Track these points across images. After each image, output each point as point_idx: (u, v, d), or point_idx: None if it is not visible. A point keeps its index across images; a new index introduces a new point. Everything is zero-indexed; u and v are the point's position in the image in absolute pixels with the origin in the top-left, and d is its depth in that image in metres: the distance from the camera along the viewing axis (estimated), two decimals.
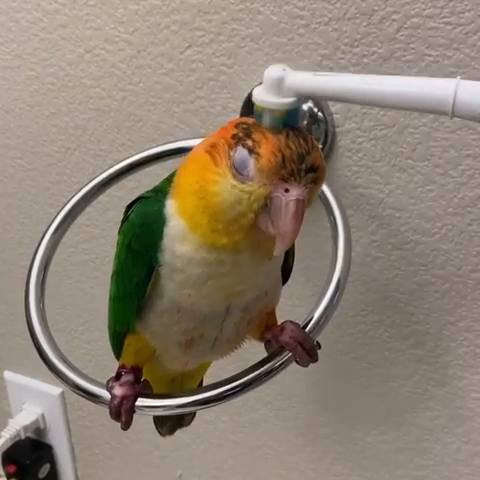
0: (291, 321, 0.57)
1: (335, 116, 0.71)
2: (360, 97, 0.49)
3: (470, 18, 0.62)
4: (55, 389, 1.10)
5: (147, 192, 0.53)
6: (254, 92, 0.48)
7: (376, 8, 0.65)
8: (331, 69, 0.69)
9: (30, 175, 0.95)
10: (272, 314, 0.58)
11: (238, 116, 0.75)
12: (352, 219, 0.74)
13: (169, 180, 0.52)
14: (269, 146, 0.45)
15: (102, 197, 0.80)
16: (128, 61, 0.81)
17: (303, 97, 0.49)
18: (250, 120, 0.47)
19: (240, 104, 0.75)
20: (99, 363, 1.03)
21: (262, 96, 0.48)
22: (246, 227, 0.46)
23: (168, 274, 0.51)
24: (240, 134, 0.46)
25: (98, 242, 0.94)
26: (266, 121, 0.47)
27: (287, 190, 0.45)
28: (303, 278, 0.80)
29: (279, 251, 0.47)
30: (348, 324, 0.80)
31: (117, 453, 1.12)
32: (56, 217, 0.68)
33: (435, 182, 0.69)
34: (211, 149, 0.47)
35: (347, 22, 0.67)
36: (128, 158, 0.73)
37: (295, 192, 0.45)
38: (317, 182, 0.46)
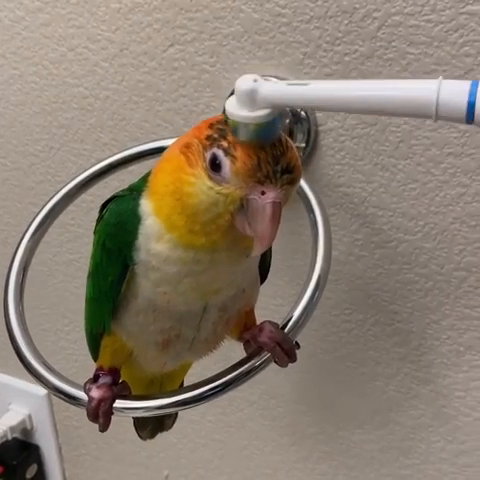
0: (270, 321, 0.57)
1: (318, 115, 0.71)
2: (337, 105, 0.47)
3: (451, 16, 0.62)
4: (41, 389, 1.09)
5: (122, 191, 0.53)
6: (226, 105, 0.47)
7: (357, 6, 0.65)
8: (313, 68, 0.69)
9: (14, 175, 0.95)
10: (251, 313, 0.58)
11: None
12: (335, 218, 0.74)
13: (144, 179, 0.51)
14: (244, 148, 0.44)
15: (86, 196, 0.80)
16: (111, 60, 0.80)
17: (277, 108, 0.46)
18: (222, 120, 0.47)
19: (223, 102, 0.74)
20: (85, 363, 1.02)
21: (235, 110, 0.46)
22: (223, 228, 0.46)
23: (143, 272, 0.50)
24: (215, 135, 0.45)
25: (82, 242, 0.94)
26: (242, 135, 0.45)
27: (263, 192, 0.45)
28: (287, 277, 0.80)
29: (257, 252, 0.47)
30: (332, 323, 0.80)
31: (104, 453, 1.11)
32: (35, 218, 0.67)
33: (417, 180, 0.69)
34: (185, 149, 0.47)
35: (329, 20, 0.67)
36: (109, 158, 0.73)
37: (271, 195, 0.44)
38: (293, 183, 0.46)
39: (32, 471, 1.13)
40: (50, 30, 0.82)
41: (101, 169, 0.71)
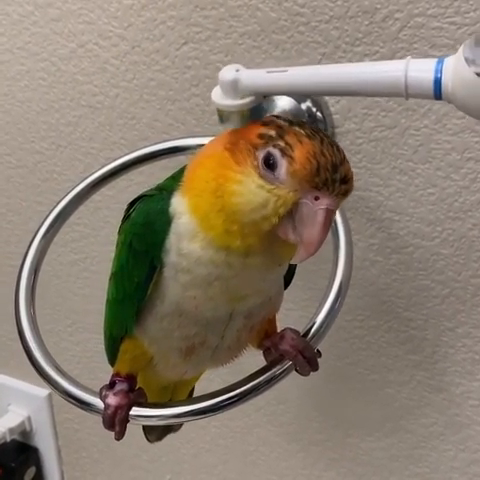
0: (291, 328, 0.55)
1: (334, 117, 0.70)
2: (314, 89, 0.49)
3: (475, 18, 0.61)
4: (42, 391, 1.07)
5: (150, 190, 0.51)
6: (212, 94, 0.49)
7: (379, 6, 0.64)
8: None
9: (19, 172, 0.93)
10: (273, 321, 0.57)
11: None
12: (351, 222, 0.72)
13: (175, 178, 0.50)
14: (304, 151, 0.43)
15: (93, 196, 0.78)
16: (122, 57, 0.79)
17: (260, 95, 0.48)
18: (280, 119, 0.45)
19: None
20: (87, 365, 1.01)
21: (220, 99, 0.48)
22: (263, 231, 0.44)
23: (172, 275, 0.49)
24: (272, 133, 0.44)
25: (88, 241, 0.92)
26: (229, 123, 0.46)
27: (317, 198, 0.43)
28: (299, 282, 0.78)
29: (300, 260, 0.45)
30: (344, 329, 0.78)
31: (105, 456, 1.10)
32: (46, 218, 0.66)
33: (436, 185, 0.68)
34: (231, 146, 0.45)
35: (349, 20, 0.65)
36: (121, 157, 0.71)
37: (326, 201, 0.43)
38: (346, 194, 0.45)
39: (31, 474, 1.12)
40: (60, 26, 0.81)
41: (112, 169, 0.70)
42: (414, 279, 0.72)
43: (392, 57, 0.65)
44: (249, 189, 0.44)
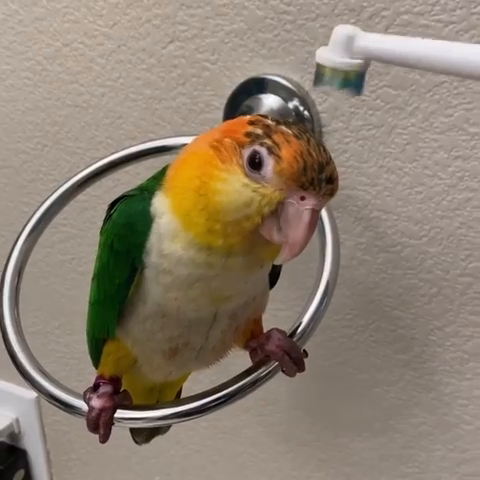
0: (277, 329, 0.55)
1: (322, 115, 0.69)
2: (435, 65, 0.46)
3: (462, 16, 0.60)
4: (30, 393, 1.07)
5: (131, 190, 0.51)
6: (318, 52, 0.47)
7: (365, 4, 0.64)
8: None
9: (4, 173, 0.92)
10: (258, 322, 0.56)
11: (222, 114, 0.73)
12: (338, 221, 0.72)
13: (157, 178, 0.49)
14: (291, 150, 0.42)
15: (80, 196, 0.77)
16: (107, 56, 0.78)
17: (370, 61, 0.46)
18: (267, 119, 0.45)
19: (224, 101, 0.73)
20: (75, 367, 1.00)
21: (329, 55, 0.46)
22: (247, 231, 0.44)
23: (153, 276, 0.48)
24: (259, 132, 0.43)
25: (75, 242, 0.92)
26: (328, 83, 0.45)
27: (303, 198, 0.43)
28: (286, 281, 0.77)
29: (284, 260, 0.45)
30: (333, 328, 0.78)
31: (94, 459, 1.09)
32: (30, 219, 0.65)
33: (424, 184, 0.68)
34: (217, 144, 0.44)
35: (335, 18, 0.65)
36: (107, 157, 0.70)
37: (311, 201, 0.43)
38: (332, 194, 0.44)
39: (19, 476, 1.11)
40: (45, 24, 0.80)
41: (98, 169, 0.69)
42: (402, 278, 0.72)
43: None
44: (234, 188, 0.43)
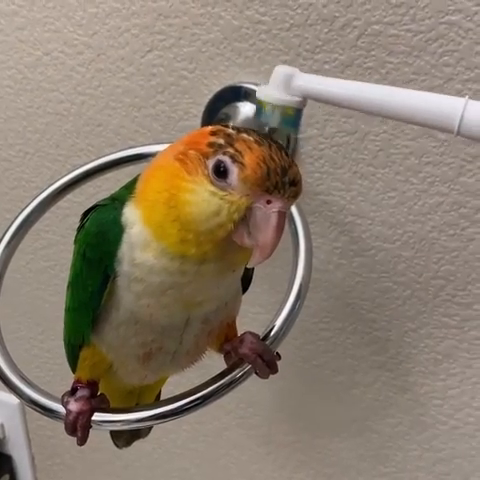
0: (250, 332, 0.56)
1: None
2: (363, 107, 0.49)
3: (430, 26, 0.62)
4: (14, 398, 1.05)
5: (104, 200, 0.52)
6: (258, 89, 0.49)
7: (337, 15, 0.65)
8: None
9: None
10: (232, 325, 0.57)
11: (200, 121, 0.75)
12: (314, 226, 0.73)
13: (128, 188, 0.50)
14: (254, 157, 0.43)
15: (61, 203, 0.78)
16: (87, 64, 0.79)
17: (306, 99, 0.49)
18: (227, 128, 0.46)
19: (202, 109, 0.74)
20: (59, 372, 1.01)
21: (269, 91, 0.48)
22: (219, 238, 0.45)
23: (126, 284, 0.49)
24: (220, 141, 0.44)
25: (57, 249, 0.93)
26: (268, 119, 0.47)
27: (269, 202, 0.44)
28: (266, 285, 0.79)
29: (255, 263, 0.46)
30: (310, 331, 0.79)
31: (78, 463, 1.10)
32: (10, 226, 0.65)
33: (396, 189, 0.69)
34: (182, 156, 0.45)
35: (308, 28, 0.67)
36: (86, 164, 0.71)
37: (278, 204, 0.44)
38: (296, 196, 0.45)
39: None
40: (26, 34, 0.81)
41: (78, 176, 0.70)
42: (377, 281, 0.74)
43: (351, 64, 0.66)
44: (202, 197, 0.44)
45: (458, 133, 0.45)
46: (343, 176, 0.71)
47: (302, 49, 0.68)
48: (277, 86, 0.48)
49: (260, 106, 0.48)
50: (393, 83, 0.65)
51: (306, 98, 0.49)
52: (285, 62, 0.69)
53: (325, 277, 0.76)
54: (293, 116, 0.48)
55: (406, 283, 0.73)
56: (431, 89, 0.64)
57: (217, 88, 0.73)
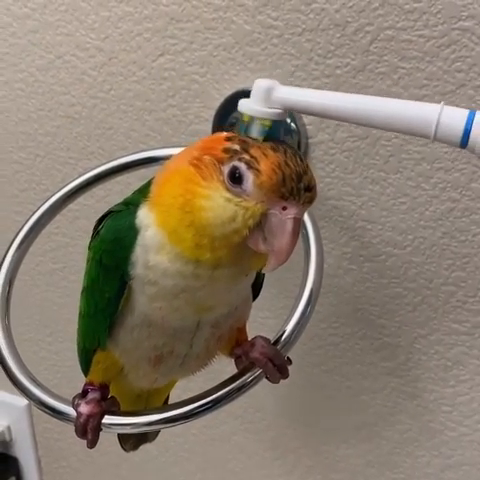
0: (261, 336, 0.56)
1: (308, 127, 0.71)
2: (341, 115, 0.50)
3: (443, 31, 0.62)
4: (21, 400, 1.07)
5: (117, 205, 0.52)
6: (240, 102, 0.50)
7: (350, 20, 0.65)
8: (304, 80, 0.69)
9: None
10: (243, 330, 0.57)
11: (211, 126, 0.75)
12: (324, 231, 0.73)
13: (142, 191, 0.50)
14: (269, 163, 0.44)
15: (71, 205, 0.78)
16: (99, 68, 0.79)
17: (287, 111, 0.50)
18: (242, 135, 0.46)
19: (213, 113, 0.74)
20: (67, 374, 1.01)
21: (250, 104, 0.49)
22: (234, 243, 0.45)
23: (139, 287, 0.49)
24: (235, 147, 0.44)
25: (67, 251, 0.93)
26: (253, 131, 0.47)
27: (285, 208, 0.44)
28: (274, 289, 0.79)
29: (271, 269, 0.46)
30: (319, 336, 0.79)
31: (85, 466, 1.10)
32: (21, 229, 0.66)
33: (407, 195, 0.69)
34: (197, 162, 0.45)
35: (321, 33, 0.67)
36: (97, 167, 0.71)
37: (293, 210, 0.44)
38: (311, 202, 0.45)
39: None
40: (38, 37, 0.82)
41: (89, 179, 0.70)
42: (387, 287, 0.74)
43: (363, 69, 0.66)
44: (217, 203, 0.44)
45: (435, 138, 0.46)
46: (354, 181, 0.71)
47: (314, 54, 0.68)
48: (258, 99, 0.49)
49: (241, 119, 0.49)
50: (405, 89, 0.65)
51: (286, 110, 0.50)
52: (297, 67, 0.69)
53: (335, 282, 0.76)
54: (273, 128, 0.48)
55: (416, 289, 0.72)
56: (443, 95, 0.64)
57: (228, 92, 0.73)
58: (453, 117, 0.46)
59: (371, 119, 0.48)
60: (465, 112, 0.46)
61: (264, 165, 0.43)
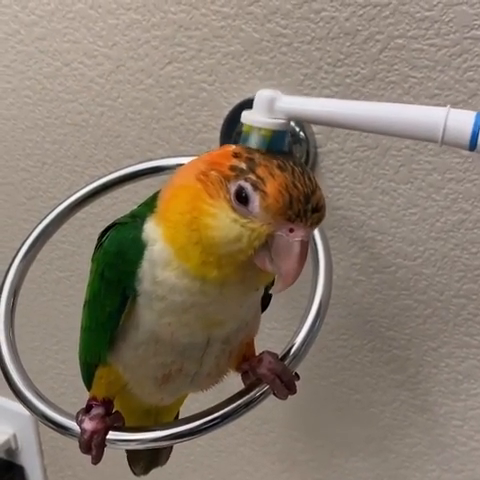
0: (269, 352, 0.55)
1: (317, 136, 0.70)
2: (346, 122, 0.49)
3: (455, 40, 0.61)
4: None
5: (123, 217, 0.51)
6: (243, 113, 0.49)
7: (360, 28, 0.64)
8: (313, 89, 0.68)
9: (4, 190, 0.93)
10: (250, 344, 0.56)
11: (219, 134, 0.74)
12: (333, 241, 0.72)
13: (149, 205, 0.49)
14: (276, 185, 0.42)
15: (78, 213, 0.78)
16: (107, 76, 0.79)
17: (291, 120, 0.50)
18: (249, 150, 0.45)
19: (221, 122, 0.73)
20: (73, 383, 1.00)
21: (252, 115, 0.49)
22: (240, 262, 0.44)
23: (147, 303, 0.48)
24: (242, 166, 0.43)
25: (73, 259, 0.92)
26: (253, 142, 0.47)
27: (292, 230, 0.43)
28: (282, 300, 0.78)
29: (278, 291, 0.45)
30: (328, 348, 0.78)
31: (90, 475, 1.09)
32: (28, 238, 0.65)
33: (418, 205, 0.68)
34: (204, 178, 0.44)
35: (330, 42, 0.66)
36: (104, 177, 0.71)
37: (300, 233, 0.43)
38: (320, 222, 0.44)
39: None
40: (45, 44, 0.81)
41: (96, 188, 0.69)
42: (397, 299, 0.72)
43: (373, 78, 0.65)
44: (224, 223, 0.43)
45: (442, 142, 0.45)
46: (363, 191, 0.70)
47: (323, 62, 0.67)
48: (260, 110, 0.49)
49: (245, 130, 0.48)
50: (416, 98, 0.64)
51: (289, 119, 0.49)
52: (306, 75, 0.68)
53: (344, 293, 0.75)
54: (277, 138, 0.48)
55: (427, 301, 0.71)
56: (455, 105, 0.63)
57: (236, 101, 0.72)
58: (460, 120, 0.45)
59: (376, 125, 0.47)
60: (472, 114, 0.45)
61: (271, 187, 0.42)
